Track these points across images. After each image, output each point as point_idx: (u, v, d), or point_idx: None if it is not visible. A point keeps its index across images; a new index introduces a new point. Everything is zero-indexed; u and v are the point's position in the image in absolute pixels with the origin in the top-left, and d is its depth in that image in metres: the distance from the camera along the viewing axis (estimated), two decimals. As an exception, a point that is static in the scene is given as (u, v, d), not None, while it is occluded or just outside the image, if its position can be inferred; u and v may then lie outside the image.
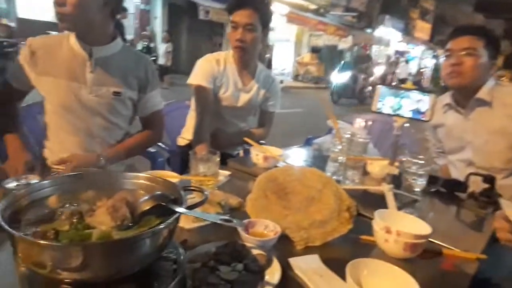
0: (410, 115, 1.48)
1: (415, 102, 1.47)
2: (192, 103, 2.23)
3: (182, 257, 0.86)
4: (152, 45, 11.59)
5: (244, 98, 2.19)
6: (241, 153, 2.42)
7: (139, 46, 11.16)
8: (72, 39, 1.59)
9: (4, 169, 1.59)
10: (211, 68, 2.09)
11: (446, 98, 1.98)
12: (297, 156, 2.05)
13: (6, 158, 1.66)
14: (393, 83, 14.97)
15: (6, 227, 0.63)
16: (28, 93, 1.73)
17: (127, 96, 1.67)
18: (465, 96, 1.87)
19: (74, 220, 0.74)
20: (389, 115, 1.52)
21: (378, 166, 1.67)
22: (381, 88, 1.54)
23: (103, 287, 0.71)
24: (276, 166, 1.66)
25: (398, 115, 1.50)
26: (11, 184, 0.91)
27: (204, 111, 2.07)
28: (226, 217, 0.72)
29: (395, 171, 1.54)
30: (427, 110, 1.44)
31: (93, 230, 0.70)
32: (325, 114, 1.89)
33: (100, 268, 0.67)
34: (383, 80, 15.05)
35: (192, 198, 1.21)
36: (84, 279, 0.68)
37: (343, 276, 0.89)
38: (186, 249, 0.94)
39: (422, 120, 1.46)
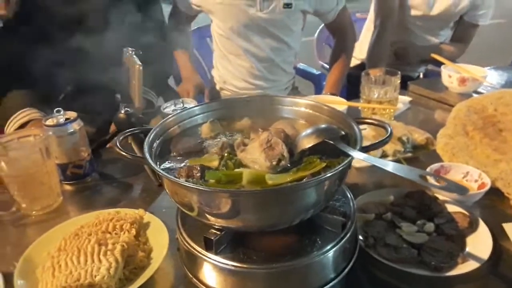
0: None
1: None
2: (371, 13, 1.90)
3: (352, 205, 0.67)
4: None
5: (440, 4, 1.76)
6: (421, 75, 2.01)
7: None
8: None
9: (178, 92, 1.66)
10: None
11: None
12: (502, 79, 1.56)
13: (181, 81, 1.73)
14: None
15: (150, 161, 0.55)
16: (195, 17, 1.70)
17: (299, 7, 1.51)
18: None
19: (225, 155, 0.62)
20: None
21: None
22: None
23: (257, 237, 0.60)
24: (476, 92, 1.27)
25: None
26: (169, 109, 0.87)
27: (386, 22, 1.77)
28: (431, 174, 0.47)
29: None
30: None
31: (244, 171, 0.57)
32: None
33: (252, 218, 0.55)
34: None
35: (363, 129, 0.99)
36: (234, 228, 0.57)
37: None
38: (355, 194, 0.75)
39: None
